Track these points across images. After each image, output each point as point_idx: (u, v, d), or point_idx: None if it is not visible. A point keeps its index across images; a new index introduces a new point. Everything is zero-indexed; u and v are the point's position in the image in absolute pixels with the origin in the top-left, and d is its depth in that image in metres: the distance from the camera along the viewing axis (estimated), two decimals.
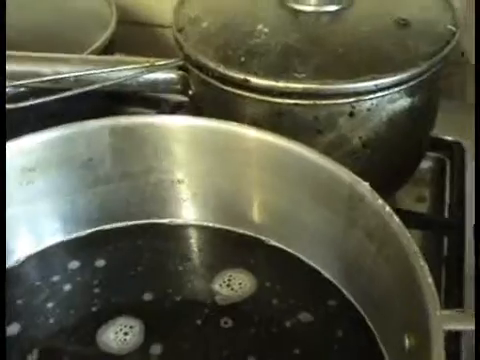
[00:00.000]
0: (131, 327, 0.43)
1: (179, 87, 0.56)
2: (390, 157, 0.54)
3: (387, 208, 0.37)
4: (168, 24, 0.73)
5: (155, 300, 0.45)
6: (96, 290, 0.45)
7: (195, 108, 0.56)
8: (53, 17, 0.68)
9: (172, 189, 0.48)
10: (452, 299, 0.52)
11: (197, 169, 0.47)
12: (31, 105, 0.49)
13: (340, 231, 0.41)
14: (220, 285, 0.45)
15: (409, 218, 0.59)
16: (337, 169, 0.41)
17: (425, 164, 0.64)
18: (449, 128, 0.66)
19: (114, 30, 0.66)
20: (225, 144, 0.45)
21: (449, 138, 0.65)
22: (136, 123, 0.45)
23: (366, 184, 0.39)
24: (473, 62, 0.70)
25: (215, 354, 0.41)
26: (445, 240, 0.57)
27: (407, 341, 0.36)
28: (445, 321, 0.32)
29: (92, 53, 0.62)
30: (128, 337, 0.42)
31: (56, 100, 0.52)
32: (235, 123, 0.46)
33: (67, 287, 0.46)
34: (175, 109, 0.65)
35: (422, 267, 0.34)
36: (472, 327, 0.33)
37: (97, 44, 0.64)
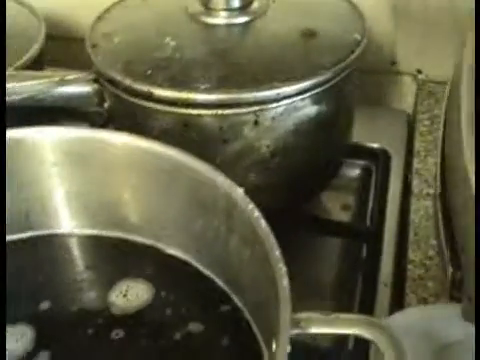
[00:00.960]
0: (22, 335, 0.43)
1: (96, 100, 0.57)
2: (302, 165, 0.55)
3: (256, 213, 0.38)
4: None
5: (51, 309, 0.45)
6: None
7: (111, 122, 0.57)
8: None
9: (53, 200, 0.49)
10: (365, 306, 0.53)
11: (68, 178, 0.47)
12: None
13: (222, 237, 0.42)
14: (116, 296, 0.45)
15: (329, 226, 0.61)
16: (213, 174, 0.41)
17: (352, 172, 0.65)
18: (378, 136, 0.66)
19: (43, 44, 0.66)
20: (92, 151, 0.45)
21: (375, 145, 0.66)
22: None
23: (240, 190, 0.40)
24: (408, 71, 0.71)
25: None
26: (364, 247, 0.58)
27: (274, 346, 0.36)
28: (296, 325, 0.33)
29: (20, 67, 0.62)
30: (18, 345, 0.43)
31: None
32: (101, 130, 0.47)
33: None
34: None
35: (280, 269, 0.34)
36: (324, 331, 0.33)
37: (25, 58, 0.64)
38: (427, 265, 0.54)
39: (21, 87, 0.54)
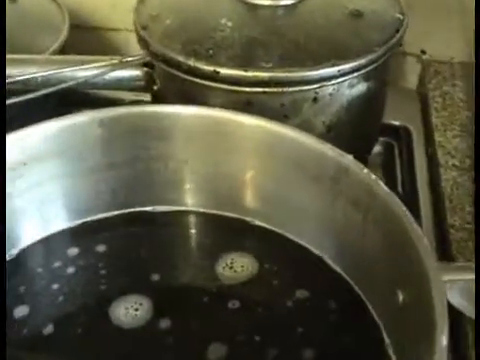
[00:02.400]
0: (141, 304, 0.45)
1: (143, 84, 0.57)
2: (351, 140, 0.57)
3: (372, 176, 0.40)
4: (121, 28, 0.75)
5: (162, 280, 0.46)
6: (102, 272, 0.47)
7: (159, 103, 0.58)
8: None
9: (163, 176, 0.50)
10: None
11: (182, 156, 0.49)
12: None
13: (326, 205, 0.44)
14: (223, 268, 0.47)
15: None
16: (321, 145, 0.43)
17: (375, 148, 0.68)
18: (394, 113, 0.70)
19: (66, 35, 0.67)
20: (212, 130, 0.47)
21: (396, 123, 0.69)
22: (123, 114, 0.47)
23: (350, 156, 0.42)
24: (412, 52, 0.75)
25: (222, 331, 0.43)
26: None
27: (401, 296, 0.38)
28: (443, 272, 0.35)
29: None
30: (138, 313, 0.44)
31: (21, 102, 0.52)
32: (220, 109, 0.48)
33: (70, 270, 0.47)
34: None
35: (412, 224, 0.37)
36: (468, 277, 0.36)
37: (51, 49, 0.64)
38: (468, 229, 0.58)
39: (76, 71, 0.54)
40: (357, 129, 0.58)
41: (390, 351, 0.41)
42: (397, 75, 0.77)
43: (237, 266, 0.47)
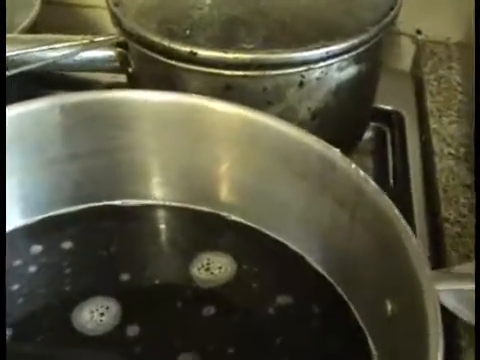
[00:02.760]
0: (107, 308, 0.41)
1: (117, 65, 0.54)
2: (337, 127, 0.54)
3: (361, 172, 0.37)
4: (97, 4, 0.70)
5: (131, 282, 0.43)
6: (67, 271, 0.44)
7: (135, 86, 0.54)
8: None
9: (127, 168, 0.46)
10: None
11: (151, 146, 0.45)
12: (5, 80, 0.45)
13: (310, 201, 0.41)
14: (198, 269, 0.44)
15: None
16: (306, 137, 0.40)
17: (366, 134, 0.64)
18: (387, 98, 0.66)
19: (38, 11, 0.63)
20: (185, 117, 0.43)
21: (388, 107, 0.65)
22: (88, 99, 0.43)
23: (337, 150, 0.38)
24: (406, 32, 0.71)
25: (195, 340, 0.40)
26: None
27: (389, 305, 0.35)
28: (437, 281, 0.32)
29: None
30: (104, 318, 0.41)
31: None
32: (195, 95, 0.44)
33: (32, 269, 0.44)
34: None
35: (404, 228, 0.33)
36: (461, 287, 0.33)
37: (22, 25, 0.60)
38: (462, 222, 0.54)
39: (45, 52, 0.50)
40: (345, 115, 0.54)
41: None
42: (390, 56, 0.73)
43: (214, 267, 0.43)
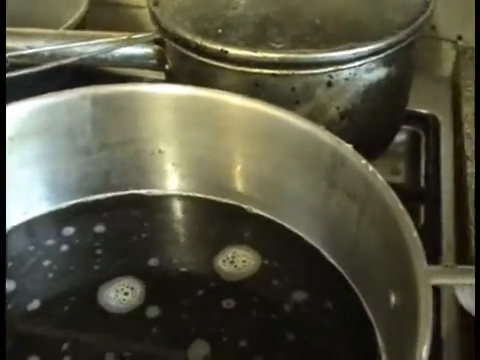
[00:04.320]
0: (132, 288, 0.43)
1: (155, 62, 0.56)
2: (366, 129, 0.55)
3: (370, 168, 0.38)
4: (143, 5, 0.73)
5: (159, 267, 0.45)
6: (98, 251, 0.46)
7: (171, 83, 0.56)
8: None
9: (153, 159, 0.48)
10: None
11: (177, 138, 0.47)
12: (5, 79, 0.48)
13: (321, 195, 0.42)
14: (223, 261, 0.45)
15: None
16: (319, 132, 0.41)
17: (399, 137, 0.65)
18: (423, 101, 0.66)
19: (86, 9, 0.66)
20: (207, 111, 0.45)
21: (423, 111, 0.66)
22: (117, 92, 0.45)
23: (349, 146, 0.39)
24: (447, 37, 0.71)
25: (211, 329, 0.41)
26: (422, 210, 0.58)
27: (393, 298, 0.36)
28: (432, 276, 0.33)
29: None
30: (127, 297, 0.43)
31: (28, 77, 0.51)
32: (217, 90, 0.45)
33: (64, 248, 0.46)
34: None
35: (406, 222, 0.34)
36: (459, 282, 0.33)
37: (69, 23, 0.63)
38: None
39: (85, 47, 0.53)
40: (375, 117, 0.55)
41: (382, 355, 0.38)
42: (430, 61, 0.73)
43: (238, 261, 0.45)
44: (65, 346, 0.40)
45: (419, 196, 0.59)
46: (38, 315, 0.42)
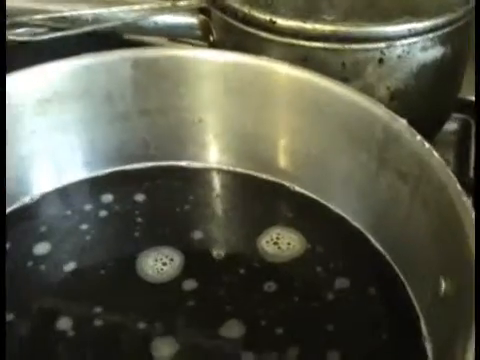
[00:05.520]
0: (172, 259, 0.42)
1: (199, 33, 0.54)
2: (416, 112, 0.52)
3: (426, 145, 0.35)
4: None
5: (200, 240, 0.43)
6: (138, 219, 0.45)
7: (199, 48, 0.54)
8: None
9: (194, 129, 0.46)
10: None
11: (220, 108, 0.45)
12: (46, 40, 0.47)
13: (371, 174, 0.39)
14: (267, 242, 0.43)
15: None
16: (372, 105, 0.38)
17: (450, 126, 0.62)
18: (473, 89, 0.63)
19: None
20: (253, 80, 0.43)
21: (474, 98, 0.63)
22: (159, 56, 0.43)
23: (404, 121, 0.37)
24: None
25: (247, 310, 0.39)
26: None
27: (443, 285, 0.33)
28: None
29: None
30: (166, 267, 0.41)
31: (69, 42, 0.50)
32: (265, 57, 0.43)
33: (103, 214, 0.45)
34: None
35: (464, 203, 0.32)
36: None
37: None
38: None
39: (127, 12, 0.51)
40: (426, 100, 0.52)
41: (427, 345, 0.36)
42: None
43: (282, 243, 0.43)
44: (97, 309, 0.39)
45: (467, 187, 0.57)
46: (73, 276, 0.41)
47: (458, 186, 0.33)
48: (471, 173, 0.59)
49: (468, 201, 0.32)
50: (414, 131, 0.36)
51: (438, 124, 0.57)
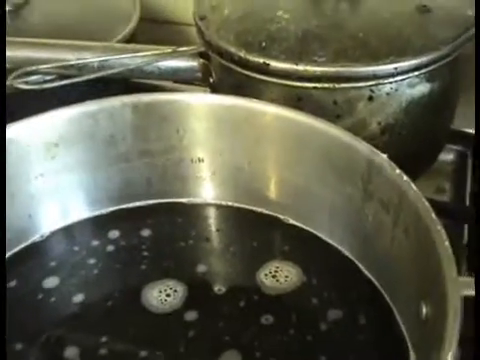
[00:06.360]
0: (175, 291, 0.44)
1: (200, 75, 0.57)
2: (408, 145, 0.54)
3: (405, 177, 0.37)
4: (189, 22, 0.74)
5: (204, 273, 0.46)
6: (144, 253, 0.47)
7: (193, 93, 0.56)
8: (78, 10, 0.69)
9: (193, 168, 0.49)
10: None
11: (216, 147, 0.48)
12: (54, 87, 0.50)
13: (357, 205, 0.42)
14: (265, 275, 0.45)
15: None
16: (355, 142, 0.41)
17: (446, 156, 0.64)
18: (471, 121, 0.65)
19: (135, 25, 0.67)
20: (244, 120, 0.46)
21: (472, 131, 0.65)
22: (158, 100, 0.46)
23: (384, 156, 0.39)
24: None
25: (245, 342, 0.41)
26: (465, 229, 0.57)
27: (424, 309, 0.35)
28: (464, 286, 0.32)
29: None
30: (169, 299, 0.44)
31: (76, 90, 0.53)
32: (254, 99, 0.46)
33: (110, 248, 0.48)
34: None
35: (438, 231, 0.34)
36: None
37: (118, 37, 0.64)
38: None
39: (132, 58, 0.54)
40: (417, 134, 0.54)
41: None
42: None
43: (280, 276, 0.45)
44: (103, 339, 0.41)
45: (464, 214, 0.59)
46: (80, 308, 0.44)
47: (433, 215, 0.35)
48: (467, 202, 0.60)
49: (442, 229, 0.34)
50: (394, 165, 0.39)
51: (432, 155, 0.60)
